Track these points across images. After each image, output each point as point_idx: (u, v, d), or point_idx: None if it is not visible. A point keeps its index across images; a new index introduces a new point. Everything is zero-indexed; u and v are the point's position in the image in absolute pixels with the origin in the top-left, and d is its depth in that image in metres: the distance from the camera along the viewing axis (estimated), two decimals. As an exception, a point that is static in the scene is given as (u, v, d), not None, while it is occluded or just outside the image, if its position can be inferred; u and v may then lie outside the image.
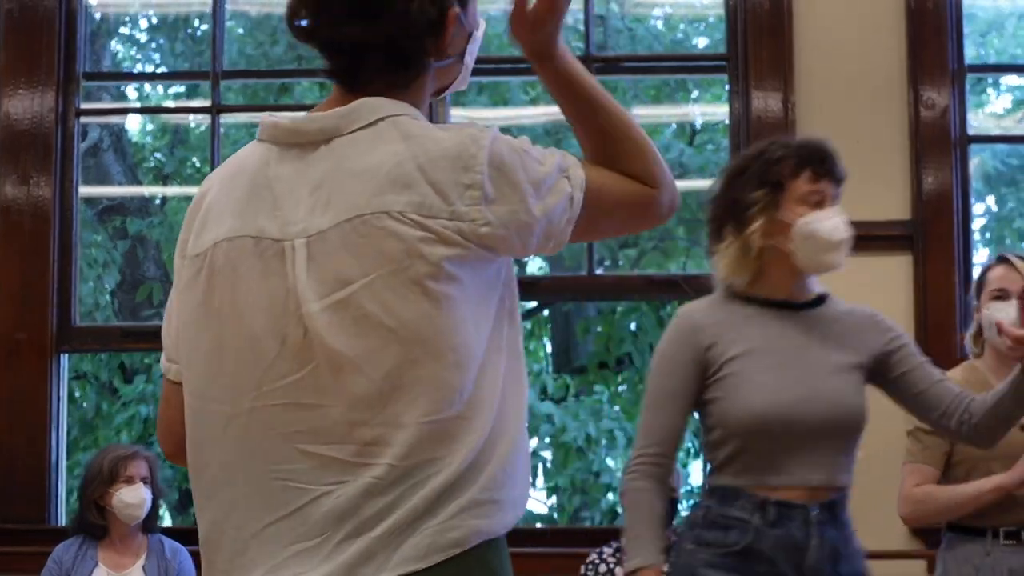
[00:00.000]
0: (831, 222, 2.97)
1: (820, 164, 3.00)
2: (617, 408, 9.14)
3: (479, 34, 1.92)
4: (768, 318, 3.02)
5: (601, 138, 1.92)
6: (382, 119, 1.77)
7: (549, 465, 9.00)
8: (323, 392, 1.71)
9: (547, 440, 8.88)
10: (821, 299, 3.09)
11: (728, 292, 3.06)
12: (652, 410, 2.99)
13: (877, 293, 4.54)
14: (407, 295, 1.68)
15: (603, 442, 8.81)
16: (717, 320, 3.00)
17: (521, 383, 1.80)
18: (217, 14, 5.47)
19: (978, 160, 8.25)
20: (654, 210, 1.92)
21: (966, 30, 5.23)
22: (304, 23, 1.84)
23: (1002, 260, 3.79)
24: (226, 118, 5.91)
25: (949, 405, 3.06)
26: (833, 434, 2.95)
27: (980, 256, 8.73)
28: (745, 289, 3.04)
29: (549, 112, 7.53)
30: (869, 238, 4.89)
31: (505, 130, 1.85)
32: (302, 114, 1.84)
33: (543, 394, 9.04)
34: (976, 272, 4.10)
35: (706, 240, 3.13)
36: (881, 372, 3.07)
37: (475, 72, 1.97)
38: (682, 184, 8.78)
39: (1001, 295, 3.70)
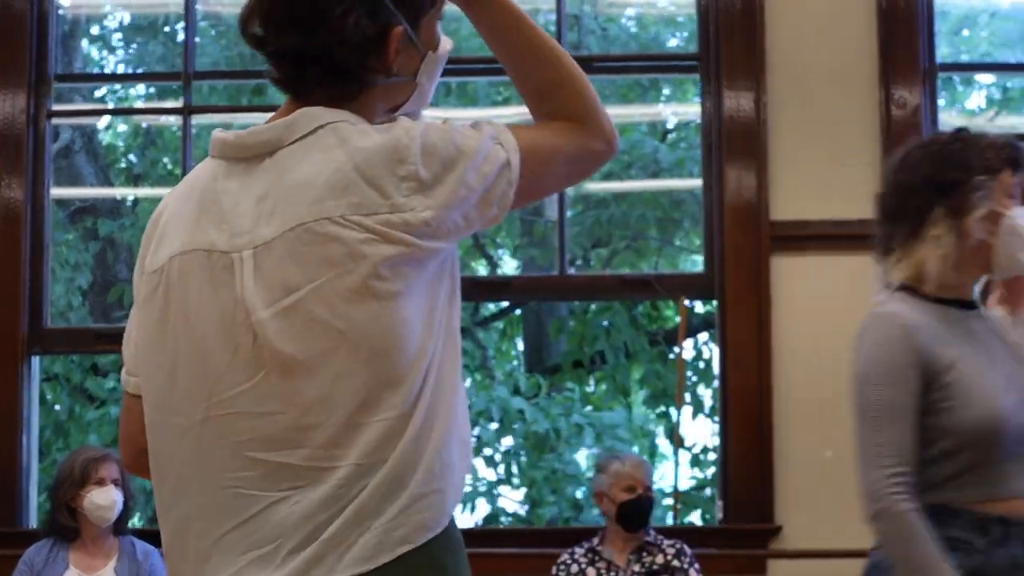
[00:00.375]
0: None
1: (1020, 159, 2.78)
2: (589, 408, 9.15)
3: (439, 55, 1.92)
4: (956, 318, 2.75)
5: (531, 73, 1.94)
6: (321, 127, 1.79)
7: (523, 462, 9.01)
8: (273, 399, 1.73)
9: (521, 440, 8.88)
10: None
11: (909, 292, 2.78)
12: (887, 425, 2.64)
13: (847, 292, 4.55)
14: (354, 297, 1.70)
15: (572, 440, 8.82)
16: (924, 322, 2.70)
17: (456, 362, 1.81)
18: (189, 16, 5.47)
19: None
20: (594, 151, 1.93)
21: (938, 28, 5.25)
22: (255, 31, 1.86)
23: None
24: (199, 119, 5.89)
25: None
26: None
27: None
28: (930, 288, 2.77)
29: (520, 112, 7.53)
30: (840, 237, 4.91)
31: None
32: (254, 126, 1.86)
33: (516, 393, 9.04)
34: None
35: (889, 227, 2.88)
36: None
37: (444, 72, 1.97)
38: (655, 183, 8.81)
39: None
